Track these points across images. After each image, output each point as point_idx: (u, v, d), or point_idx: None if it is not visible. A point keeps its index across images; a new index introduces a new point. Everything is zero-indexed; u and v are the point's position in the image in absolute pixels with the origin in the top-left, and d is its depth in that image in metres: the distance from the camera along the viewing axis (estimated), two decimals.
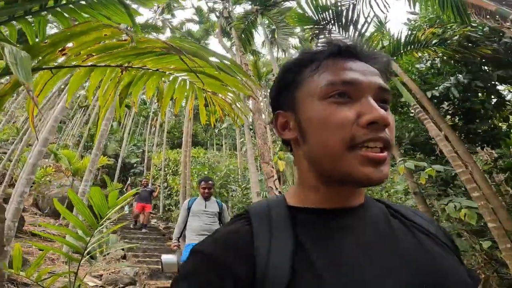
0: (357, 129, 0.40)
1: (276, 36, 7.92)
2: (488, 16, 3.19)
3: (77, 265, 1.93)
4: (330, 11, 3.66)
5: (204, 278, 0.38)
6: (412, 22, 5.46)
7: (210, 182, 3.57)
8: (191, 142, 11.91)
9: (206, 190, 3.45)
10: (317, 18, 3.73)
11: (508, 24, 2.67)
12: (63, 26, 1.32)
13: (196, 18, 14.76)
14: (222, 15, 9.81)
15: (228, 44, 10.25)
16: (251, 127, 7.91)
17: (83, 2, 1.34)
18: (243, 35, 7.85)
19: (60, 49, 1.00)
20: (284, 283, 0.37)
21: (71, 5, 1.28)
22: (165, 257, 2.69)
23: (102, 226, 2.10)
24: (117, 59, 1.25)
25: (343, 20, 3.66)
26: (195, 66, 1.39)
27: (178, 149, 16.92)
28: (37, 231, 5.34)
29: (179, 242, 3.39)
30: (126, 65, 1.35)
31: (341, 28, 3.75)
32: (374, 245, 0.41)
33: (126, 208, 9.02)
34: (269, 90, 0.52)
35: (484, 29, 4.16)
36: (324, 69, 0.44)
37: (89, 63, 1.18)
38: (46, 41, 0.94)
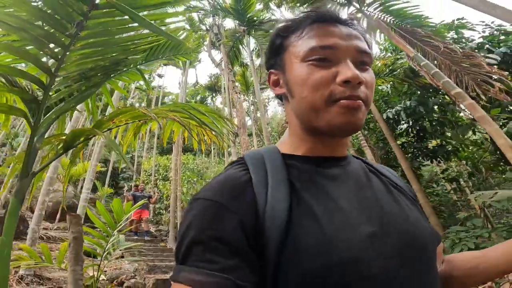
0: (335, 87, 0.45)
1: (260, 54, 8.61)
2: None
3: (99, 259, 2.52)
4: None
5: (218, 226, 0.39)
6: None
7: None
8: (181, 150, 12.46)
9: None
10: None
11: (424, 69, 3.41)
12: (104, 92, 1.97)
13: (187, 27, 15.29)
14: (212, 30, 10.45)
15: (218, 56, 10.83)
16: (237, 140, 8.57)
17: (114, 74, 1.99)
18: (230, 53, 8.53)
19: (111, 119, 1.65)
20: (283, 221, 0.40)
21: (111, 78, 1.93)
22: None
23: (118, 228, 2.72)
24: (139, 117, 1.91)
25: None
26: (190, 116, 2.05)
27: (167, 155, 17.37)
28: (41, 234, 5.81)
29: None
30: (144, 119, 2.01)
31: None
32: (355, 194, 0.46)
33: None
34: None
35: None
36: (307, 34, 0.49)
37: (124, 123, 1.83)
38: (106, 116, 1.59)
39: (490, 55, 4.03)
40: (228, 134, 2.81)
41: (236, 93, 7.38)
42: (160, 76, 18.59)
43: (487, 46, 4.43)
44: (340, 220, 0.41)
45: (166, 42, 2.13)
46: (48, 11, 1.37)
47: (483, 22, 5.64)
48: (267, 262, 0.39)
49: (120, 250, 4.97)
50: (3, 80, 1.39)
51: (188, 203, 0.45)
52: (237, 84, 8.27)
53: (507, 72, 3.91)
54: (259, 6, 6.10)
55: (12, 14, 1.31)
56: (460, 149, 5.47)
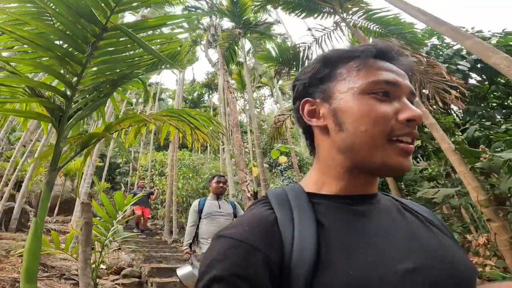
0: (396, 124, 0.45)
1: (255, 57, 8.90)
2: None
3: (100, 246, 2.84)
4: (290, 52, 4.72)
5: (243, 264, 0.39)
6: None
7: (223, 177, 3.25)
8: (177, 146, 12.76)
9: (221, 185, 3.12)
10: (280, 58, 4.78)
11: None
12: (111, 101, 2.29)
13: (185, 25, 15.50)
14: (209, 31, 10.71)
15: (215, 56, 11.09)
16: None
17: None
18: (226, 53, 8.82)
19: (119, 123, 1.97)
20: (312, 260, 0.39)
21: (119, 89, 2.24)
22: (181, 271, 2.46)
23: (118, 220, 3.05)
24: (141, 121, 2.23)
25: (300, 59, 4.74)
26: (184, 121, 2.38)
27: (164, 151, 17.61)
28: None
29: (191, 248, 2.97)
30: (144, 123, 2.34)
31: (299, 66, 4.82)
32: (390, 229, 0.45)
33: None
34: (294, 80, 0.61)
35: None
36: (368, 67, 0.48)
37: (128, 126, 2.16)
38: (114, 121, 1.91)
39: (461, 62, 4.39)
40: (218, 135, 3.14)
41: (231, 93, 7.70)
42: (157, 73, 18.79)
43: (462, 52, 4.79)
44: (374, 256, 0.40)
45: (165, 56, 2.45)
46: (67, 32, 1.68)
47: (463, 27, 5.97)
48: None
49: (117, 242, 5.29)
50: (27, 91, 1.71)
51: (213, 239, 0.44)
52: (232, 81, 8.53)
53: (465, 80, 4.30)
54: (255, 8, 6.39)
55: (40, 35, 1.61)
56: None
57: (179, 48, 2.53)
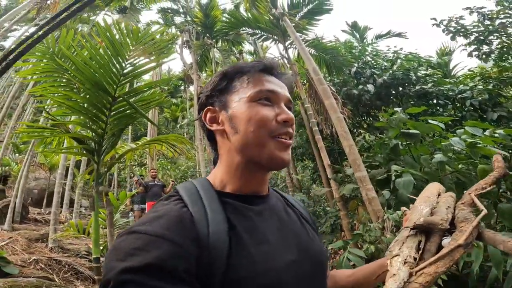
0: (275, 125, 0.59)
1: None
2: None
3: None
4: None
5: (163, 257, 0.42)
6: None
7: None
8: (156, 135, 13.79)
9: None
10: None
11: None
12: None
13: (161, 21, 16.02)
14: (184, 34, 11.61)
15: (189, 59, 11.97)
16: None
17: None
18: (199, 60, 9.90)
19: (125, 154, 3.24)
20: (225, 254, 0.47)
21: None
22: None
23: (119, 209, 4.32)
24: (136, 149, 3.51)
25: None
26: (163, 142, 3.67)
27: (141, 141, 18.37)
28: (38, 218, 7.22)
29: None
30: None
31: None
32: (279, 228, 0.59)
33: (132, 216, 7.67)
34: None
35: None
36: (255, 80, 0.62)
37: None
38: (120, 154, 3.18)
39: (368, 85, 5.87)
40: (189, 149, 4.44)
41: (187, 141, 8.83)
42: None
43: (376, 73, 6.27)
44: (268, 251, 0.52)
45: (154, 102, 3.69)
46: (93, 101, 2.89)
47: (388, 46, 7.47)
48: None
49: (115, 228, 6.52)
50: (74, 141, 2.93)
51: (122, 234, 0.46)
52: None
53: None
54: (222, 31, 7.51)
55: (75, 102, 2.82)
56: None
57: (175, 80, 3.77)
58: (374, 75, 6.13)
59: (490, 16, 5.21)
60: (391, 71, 5.90)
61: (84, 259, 5.02)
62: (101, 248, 3.75)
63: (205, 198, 0.54)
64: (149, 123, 14.48)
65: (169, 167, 12.20)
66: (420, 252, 0.53)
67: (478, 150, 2.60)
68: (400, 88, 5.92)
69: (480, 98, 5.09)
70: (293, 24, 4.96)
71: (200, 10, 9.40)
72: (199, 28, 9.81)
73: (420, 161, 3.13)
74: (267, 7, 5.46)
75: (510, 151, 2.87)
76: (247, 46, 14.47)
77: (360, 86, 6.05)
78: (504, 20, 5.15)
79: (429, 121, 3.14)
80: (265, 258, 0.51)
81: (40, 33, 2.12)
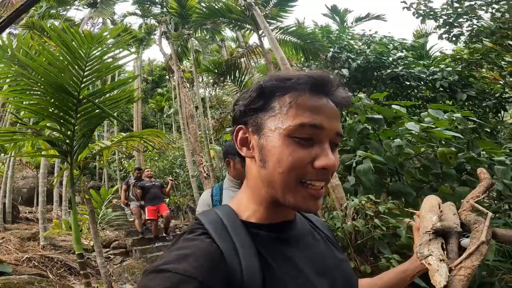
0: (310, 170, 0.49)
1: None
2: None
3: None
4: (223, 65, 6.05)
5: None
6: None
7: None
8: (141, 126, 13.73)
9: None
10: (215, 70, 6.09)
11: None
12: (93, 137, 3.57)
13: (138, 12, 15.60)
14: (162, 26, 11.38)
15: (168, 50, 11.83)
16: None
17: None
18: (179, 50, 9.79)
19: (101, 151, 3.31)
20: None
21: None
22: None
23: (104, 205, 4.44)
24: (114, 146, 3.58)
25: (232, 70, 6.09)
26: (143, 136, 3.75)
27: (129, 132, 18.22)
28: (30, 217, 7.29)
29: None
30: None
31: (231, 75, 6.15)
32: (309, 256, 0.56)
33: (130, 212, 7.11)
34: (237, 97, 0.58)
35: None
36: (295, 106, 0.49)
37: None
38: (97, 151, 3.24)
39: (343, 69, 5.96)
40: (168, 142, 4.52)
41: (184, 87, 8.87)
42: (113, 58, 18.78)
43: (351, 57, 6.34)
44: (303, 283, 0.50)
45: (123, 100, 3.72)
46: (56, 103, 2.92)
47: (363, 30, 7.52)
48: None
49: (101, 224, 6.63)
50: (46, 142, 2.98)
51: (148, 272, 0.43)
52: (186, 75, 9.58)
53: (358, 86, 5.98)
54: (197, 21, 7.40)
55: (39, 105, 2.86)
56: None
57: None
58: (349, 59, 6.21)
59: None
60: (364, 55, 5.97)
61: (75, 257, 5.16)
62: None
63: (232, 231, 0.50)
64: (135, 115, 14.37)
65: (156, 158, 12.25)
66: (445, 252, 0.61)
67: (431, 133, 2.75)
68: (375, 72, 6.02)
69: (450, 80, 5.23)
70: (264, 13, 4.95)
71: (174, 1, 9.20)
72: (176, 18, 9.64)
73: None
74: None
75: (466, 134, 3.04)
76: (230, 33, 14.30)
77: (336, 71, 6.14)
78: (472, 3, 5.20)
79: (393, 105, 3.26)
80: None
81: None
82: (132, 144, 3.90)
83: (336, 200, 3.17)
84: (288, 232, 0.56)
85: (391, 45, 6.93)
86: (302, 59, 6.86)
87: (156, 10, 11.82)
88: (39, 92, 2.96)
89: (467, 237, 0.64)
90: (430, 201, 0.82)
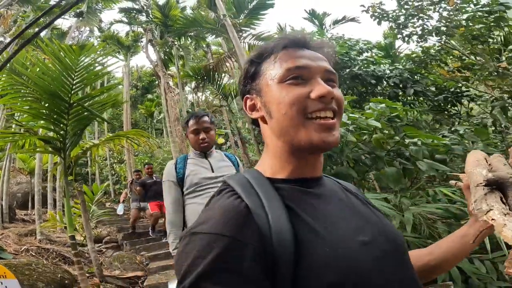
0: (310, 102, 0.52)
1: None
2: None
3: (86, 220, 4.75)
4: (202, 71, 6.64)
5: (228, 259, 0.41)
6: None
7: (206, 118, 1.94)
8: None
9: (202, 139, 1.89)
10: (196, 75, 6.69)
11: None
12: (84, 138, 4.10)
13: (125, 19, 16.06)
14: (147, 33, 11.92)
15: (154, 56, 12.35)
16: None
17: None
18: (164, 57, 10.35)
19: (90, 149, 3.85)
20: (291, 243, 0.44)
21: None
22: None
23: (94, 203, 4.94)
24: (102, 144, 4.13)
25: (211, 75, 6.69)
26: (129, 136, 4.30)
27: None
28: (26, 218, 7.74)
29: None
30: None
31: (210, 80, 6.75)
32: (342, 208, 0.54)
33: (121, 207, 7.22)
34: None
35: None
36: (281, 58, 0.55)
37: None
38: (87, 149, 3.78)
39: None
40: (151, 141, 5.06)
41: (170, 92, 9.42)
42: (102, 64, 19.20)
43: None
44: (337, 234, 0.47)
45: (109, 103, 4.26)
46: (52, 108, 3.46)
47: (331, 34, 8.23)
48: (282, 283, 0.42)
49: (93, 222, 7.11)
50: (39, 140, 3.51)
51: (184, 237, 0.45)
52: (171, 83, 10.12)
53: None
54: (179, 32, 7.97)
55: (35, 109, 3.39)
56: None
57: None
58: None
59: (407, 0, 5.68)
60: None
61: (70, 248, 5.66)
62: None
63: (258, 188, 0.51)
64: (124, 121, 14.83)
65: (146, 161, 12.73)
66: (506, 206, 0.52)
67: (358, 123, 3.36)
68: (338, 72, 6.67)
69: (401, 77, 5.90)
70: (235, 23, 5.57)
71: (158, 10, 9.78)
72: (160, 27, 10.21)
73: None
74: (208, 10, 6.03)
75: (391, 123, 3.66)
76: (216, 38, 14.89)
77: None
78: (418, 4, 5.57)
79: None
80: (337, 241, 0.47)
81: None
82: (119, 143, 4.43)
83: None
84: (316, 187, 0.56)
85: (357, 46, 7.58)
86: None
87: (143, 17, 12.38)
88: (35, 98, 3.50)
89: None
90: (475, 156, 0.73)
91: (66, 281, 3.38)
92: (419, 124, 7.14)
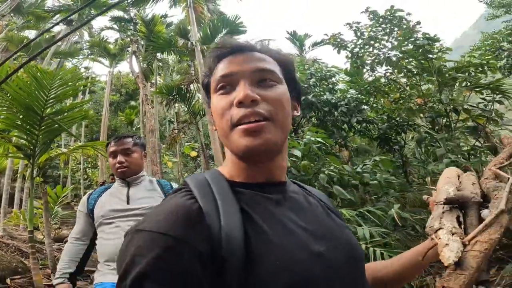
0: (234, 110, 0.51)
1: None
2: None
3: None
4: (175, 89, 7.25)
5: (170, 258, 0.39)
6: None
7: (128, 139, 1.79)
8: (106, 138, 14.39)
9: (119, 162, 1.71)
10: (168, 93, 7.28)
11: None
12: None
13: (115, 26, 16.38)
14: (133, 44, 12.43)
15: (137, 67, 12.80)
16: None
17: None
18: (146, 70, 10.88)
19: (59, 155, 4.31)
20: (241, 248, 0.42)
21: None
22: None
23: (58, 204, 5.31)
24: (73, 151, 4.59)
25: (183, 93, 7.32)
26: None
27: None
28: None
29: (70, 282, 1.66)
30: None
31: (182, 98, 7.36)
32: (300, 217, 0.53)
33: None
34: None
35: None
36: (216, 70, 0.57)
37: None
38: (59, 157, 4.24)
39: None
40: None
41: (148, 104, 9.91)
42: (87, 68, 19.43)
43: None
44: (291, 243, 0.47)
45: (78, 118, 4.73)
46: (24, 119, 3.92)
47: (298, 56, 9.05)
48: (228, 287, 0.41)
49: (56, 221, 7.37)
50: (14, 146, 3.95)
51: (127, 236, 0.44)
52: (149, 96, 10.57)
53: None
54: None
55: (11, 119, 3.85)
56: None
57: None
58: None
59: (362, 31, 5.93)
60: None
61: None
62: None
63: (215, 189, 0.50)
64: (102, 127, 15.05)
65: None
66: (462, 226, 0.52)
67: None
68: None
69: (348, 106, 6.67)
70: (203, 48, 6.25)
71: (143, 25, 10.37)
72: (144, 41, 10.77)
73: None
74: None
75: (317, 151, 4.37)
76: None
77: None
78: (373, 34, 5.75)
79: None
80: (290, 249, 0.46)
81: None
82: (86, 153, 4.89)
83: None
84: (276, 193, 0.55)
85: (319, 73, 8.25)
86: None
87: (131, 28, 12.87)
88: (10, 109, 3.97)
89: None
90: (449, 173, 0.73)
91: (20, 269, 3.76)
92: (372, 149, 7.90)
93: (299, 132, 7.13)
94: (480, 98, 4.25)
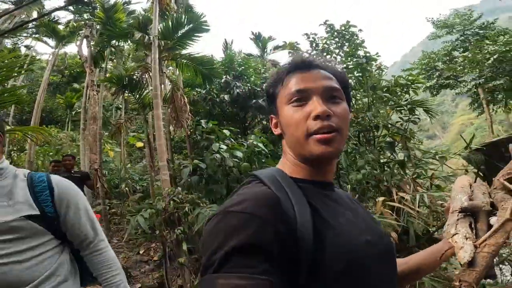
0: (310, 122, 0.60)
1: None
2: None
3: None
4: (126, 79, 7.14)
5: (258, 236, 0.47)
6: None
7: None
8: (39, 120, 13.09)
9: None
10: (118, 83, 7.15)
11: None
12: None
13: (71, 8, 15.14)
14: (87, 28, 11.71)
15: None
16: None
17: None
18: (96, 56, 10.35)
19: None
20: (311, 234, 0.51)
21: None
22: None
23: None
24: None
25: (134, 82, 7.26)
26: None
27: (27, 125, 16.74)
28: None
29: None
30: None
31: (133, 89, 7.29)
32: (348, 213, 0.63)
33: None
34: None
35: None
36: (286, 83, 0.66)
37: None
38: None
39: (225, 95, 7.40)
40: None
41: (93, 90, 9.45)
42: (28, 47, 17.63)
43: (237, 85, 7.78)
44: (349, 231, 0.57)
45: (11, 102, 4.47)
46: None
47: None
48: (301, 265, 0.49)
49: None
50: None
51: (216, 215, 0.52)
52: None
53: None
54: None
55: None
56: None
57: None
58: (235, 87, 7.76)
59: (318, 42, 6.21)
60: (247, 85, 7.71)
61: None
62: None
63: (284, 183, 0.58)
64: (36, 107, 13.72)
65: (51, 153, 11.93)
66: (474, 231, 0.62)
67: (231, 152, 4.40)
68: (252, 99, 7.69)
69: None
70: (159, 44, 6.32)
71: (102, 11, 9.95)
72: (100, 26, 10.29)
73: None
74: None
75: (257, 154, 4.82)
76: None
77: (222, 95, 7.68)
78: (327, 46, 5.94)
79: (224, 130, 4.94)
80: (348, 237, 0.56)
81: None
82: (15, 137, 4.60)
83: (163, 189, 4.41)
84: (330, 191, 0.66)
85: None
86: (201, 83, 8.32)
87: (89, 10, 12.16)
88: None
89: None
90: (461, 182, 0.79)
91: None
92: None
93: (248, 133, 7.57)
94: (399, 117, 4.68)
